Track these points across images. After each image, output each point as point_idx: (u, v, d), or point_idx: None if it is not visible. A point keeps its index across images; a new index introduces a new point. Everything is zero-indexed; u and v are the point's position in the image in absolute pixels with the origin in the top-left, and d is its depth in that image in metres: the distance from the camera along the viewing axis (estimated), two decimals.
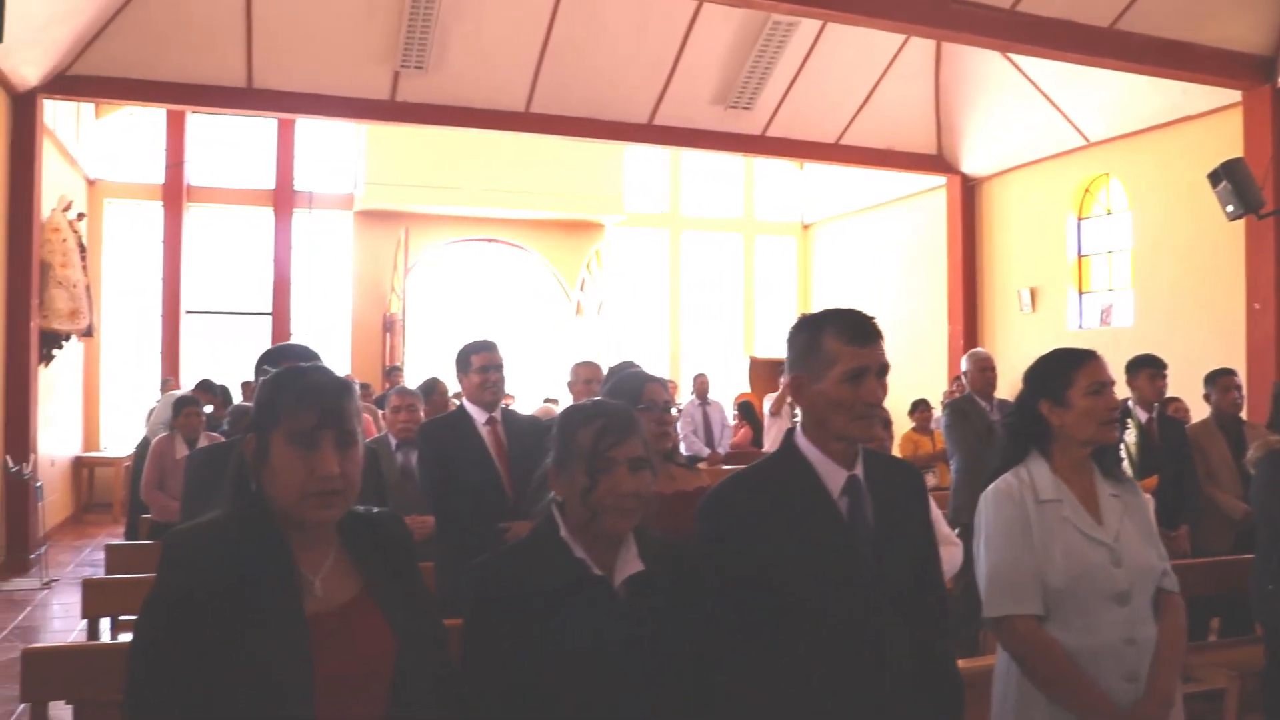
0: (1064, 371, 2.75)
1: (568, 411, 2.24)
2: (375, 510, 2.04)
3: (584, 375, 5.70)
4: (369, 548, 1.94)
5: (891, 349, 2.37)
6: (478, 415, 4.59)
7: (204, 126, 14.89)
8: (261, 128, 15.07)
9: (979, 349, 7.25)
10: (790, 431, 2.40)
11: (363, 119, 11.88)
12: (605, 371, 4.88)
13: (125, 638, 4.96)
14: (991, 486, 2.75)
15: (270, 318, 14.79)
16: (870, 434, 2.30)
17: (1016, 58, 11.73)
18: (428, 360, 13.92)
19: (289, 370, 1.88)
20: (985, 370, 6.77)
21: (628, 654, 2.05)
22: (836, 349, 2.25)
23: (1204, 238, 10.56)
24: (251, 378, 11.27)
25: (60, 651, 3.83)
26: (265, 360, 3.04)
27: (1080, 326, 12.31)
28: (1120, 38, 9.29)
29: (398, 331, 14.36)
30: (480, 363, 4.58)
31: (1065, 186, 12.54)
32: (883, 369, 2.29)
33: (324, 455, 1.79)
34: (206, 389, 10.38)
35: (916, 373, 13.38)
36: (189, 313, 14.62)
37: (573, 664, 2.01)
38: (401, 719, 1.85)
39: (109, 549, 5.88)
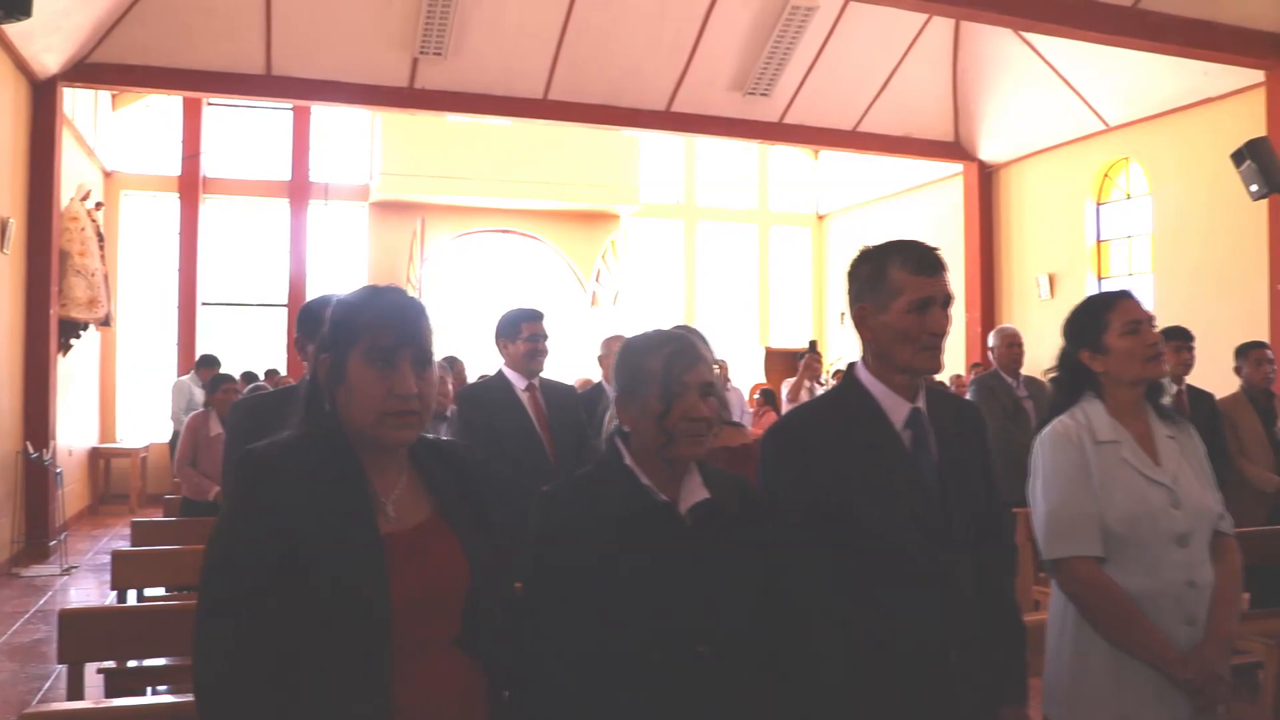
0: (1097, 316, 2.72)
1: (632, 341, 2.21)
2: (445, 439, 2.03)
3: (616, 349, 5.69)
4: (440, 473, 1.92)
5: None
6: (517, 382, 4.64)
7: (220, 118, 14.89)
8: (277, 119, 15.07)
9: (1007, 325, 7.19)
10: (852, 365, 2.38)
11: (381, 106, 11.86)
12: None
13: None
14: (1048, 429, 2.71)
15: (286, 309, 14.78)
16: (936, 365, 2.28)
17: (1035, 41, 11.68)
18: (444, 350, 13.89)
19: (367, 290, 1.86)
20: (1013, 346, 6.72)
21: (694, 580, 2.02)
22: (902, 279, 2.23)
23: (1225, 220, 10.50)
24: (273, 367, 11.19)
25: (97, 613, 3.81)
26: (313, 308, 3.01)
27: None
28: (1141, 17, 9.22)
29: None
30: (530, 330, 4.63)
31: (1084, 171, 12.48)
32: (947, 299, 2.27)
33: (402, 374, 1.77)
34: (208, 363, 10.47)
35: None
36: (205, 304, 14.63)
37: (639, 590, 1.99)
38: (473, 641, 1.83)
39: (135, 524, 5.88)
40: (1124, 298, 2.73)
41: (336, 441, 1.79)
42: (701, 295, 17.61)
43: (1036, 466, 2.70)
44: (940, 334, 2.25)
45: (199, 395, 10.48)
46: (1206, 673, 2.47)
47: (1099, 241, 12.46)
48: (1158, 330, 2.71)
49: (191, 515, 6.31)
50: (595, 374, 7.40)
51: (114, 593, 4.78)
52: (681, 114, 12.11)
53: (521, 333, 4.66)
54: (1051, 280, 12.84)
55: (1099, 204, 12.46)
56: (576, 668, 1.98)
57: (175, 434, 10.48)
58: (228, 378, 6.84)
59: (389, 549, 1.73)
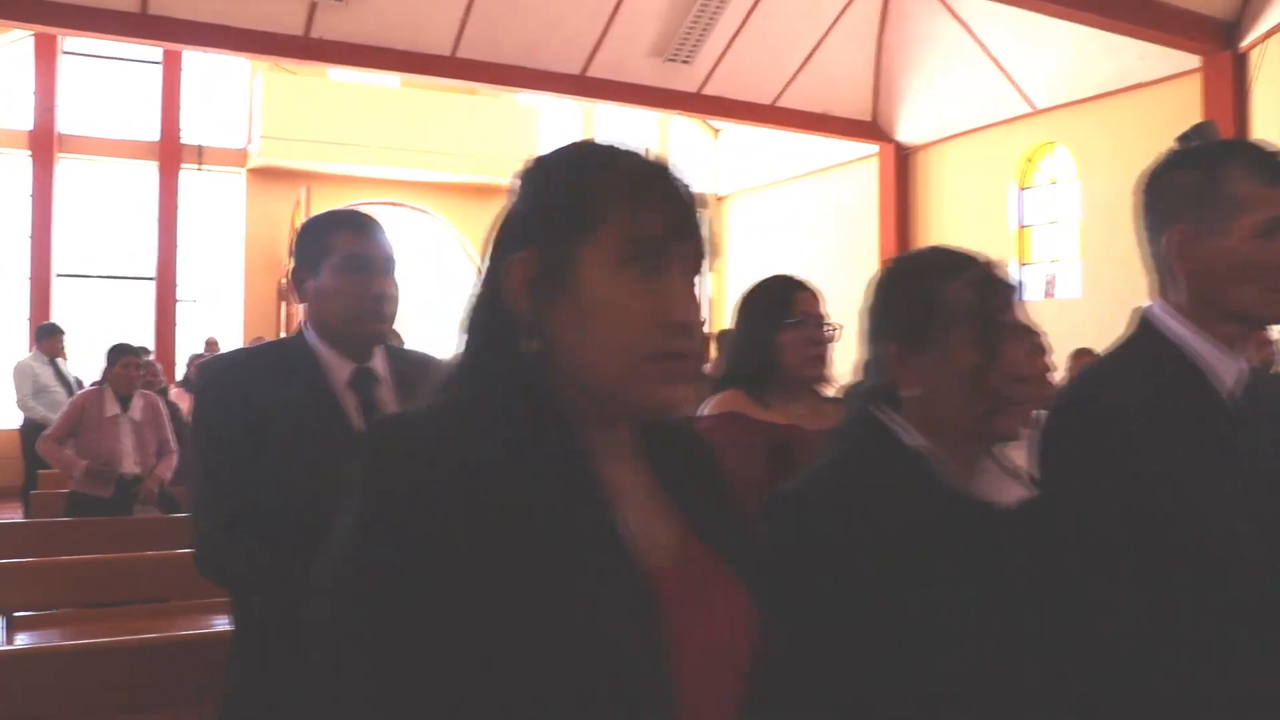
0: None
1: (907, 262, 1.48)
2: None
3: None
4: (678, 466, 1.14)
5: None
6: None
7: (78, 69, 13.40)
8: (145, 72, 13.66)
9: None
10: (1147, 312, 1.70)
11: (273, 56, 10.72)
12: None
13: (26, 640, 4.02)
14: None
15: (154, 283, 13.45)
16: None
17: (967, 17, 11.34)
18: None
19: (600, 146, 1.08)
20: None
21: (1030, 614, 1.32)
22: (1251, 192, 1.57)
23: None
24: (142, 344, 9.94)
25: None
26: (313, 226, 2.17)
27: (1022, 298, 11.94)
28: None
29: (295, 300, 13.17)
30: None
31: (1007, 155, 12.17)
32: None
33: (676, 287, 1.01)
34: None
35: (846, 348, 12.94)
36: (60, 276, 13.15)
37: (962, 629, 1.27)
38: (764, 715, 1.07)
39: (3, 527, 4.89)
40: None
41: (544, 408, 1.00)
42: None
43: None
44: None
45: (45, 375, 9.18)
46: None
47: (1021, 227, 12.19)
48: None
49: (82, 514, 5.25)
50: None
51: None
52: (596, 79, 11.32)
53: None
54: None
55: (1022, 189, 12.19)
56: None
57: (27, 421, 9.13)
58: (128, 348, 5.71)
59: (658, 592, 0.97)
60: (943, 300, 1.39)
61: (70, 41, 12.98)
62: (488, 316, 1.05)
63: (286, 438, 1.91)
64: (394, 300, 2.10)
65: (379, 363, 2.11)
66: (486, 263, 1.07)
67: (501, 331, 1.02)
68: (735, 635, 1.04)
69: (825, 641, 1.25)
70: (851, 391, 1.54)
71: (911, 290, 1.43)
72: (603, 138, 1.10)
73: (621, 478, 1.04)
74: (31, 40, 12.61)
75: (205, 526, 1.91)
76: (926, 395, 1.40)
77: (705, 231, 1.04)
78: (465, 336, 1.06)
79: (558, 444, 0.98)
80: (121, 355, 5.61)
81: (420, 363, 2.22)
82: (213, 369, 2.09)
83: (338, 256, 2.06)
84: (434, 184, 15.02)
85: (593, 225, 1.00)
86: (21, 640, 4.05)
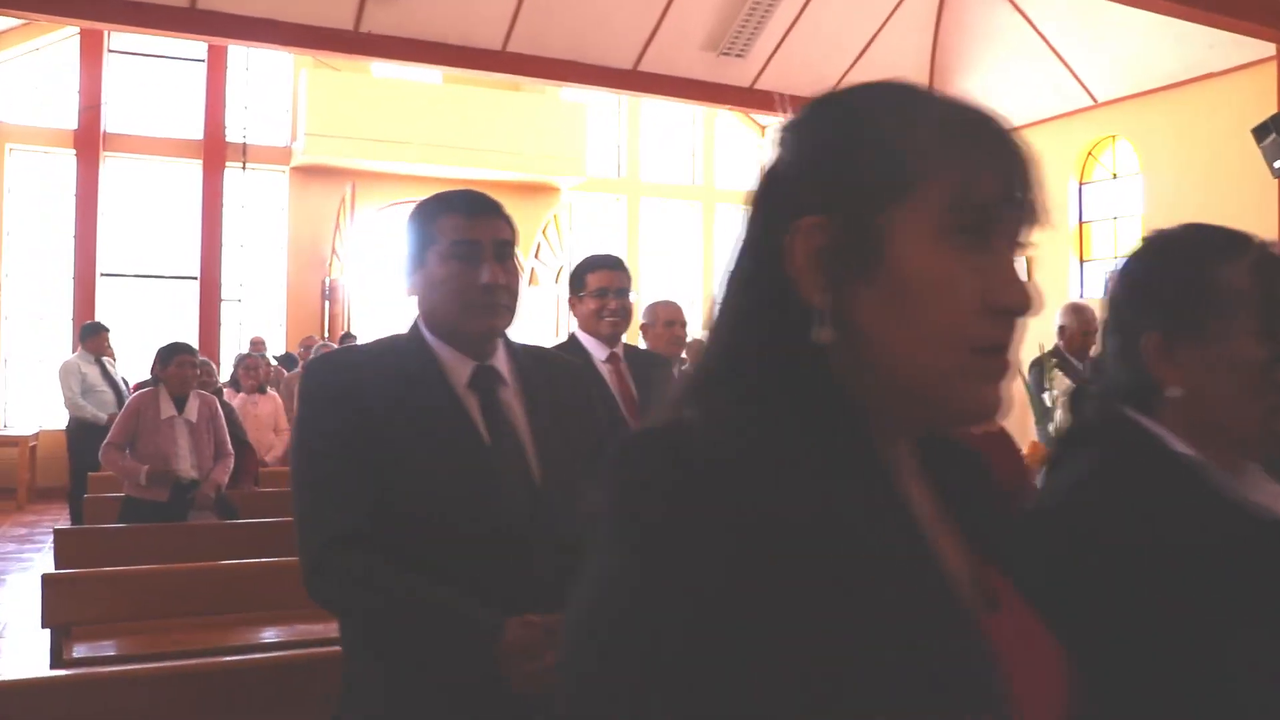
0: None
1: (1169, 241, 1.25)
2: None
3: (664, 316, 4.74)
4: (957, 484, 0.91)
5: None
6: (596, 351, 3.49)
7: (123, 68, 13.33)
8: (190, 70, 13.56)
9: (1081, 302, 6.45)
10: None
11: (322, 50, 10.57)
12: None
13: (81, 652, 3.85)
14: None
15: (198, 282, 13.35)
16: None
17: (1026, 6, 11.03)
18: (373, 330, 12.62)
19: (903, 86, 0.85)
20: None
21: None
22: None
23: (1225, 201, 9.95)
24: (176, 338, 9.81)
25: (23, 688, 2.58)
26: (420, 210, 1.95)
27: (1082, 295, 11.67)
28: None
29: (339, 299, 13.05)
30: (598, 283, 3.51)
31: (1066, 149, 11.87)
32: None
33: (1005, 264, 0.80)
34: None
35: None
36: (105, 275, 13.05)
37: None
38: None
39: (59, 534, 4.70)
40: None
41: (845, 416, 0.78)
42: (645, 274, 16.57)
43: None
44: None
45: (92, 375, 9.03)
46: None
47: (1081, 223, 11.88)
48: None
49: (137, 519, 5.06)
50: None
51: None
52: (648, 74, 11.13)
53: (589, 285, 3.54)
54: (1029, 262, 12.21)
55: (1082, 183, 11.88)
56: None
57: (74, 420, 8.96)
58: (183, 347, 5.48)
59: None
60: (1221, 284, 1.16)
61: (116, 40, 12.91)
62: (756, 301, 0.82)
63: (405, 445, 1.70)
64: (508, 290, 1.88)
65: (501, 359, 1.90)
66: (743, 233, 0.84)
67: (779, 319, 0.79)
68: (1056, 687, 0.82)
69: (1134, 688, 1.02)
70: (1085, 391, 1.30)
71: (1182, 272, 1.19)
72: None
73: (915, 501, 0.81)
74: (77, 39, 12.54)
75: (314, 544, 1.67)
76: (1193, 395, 1.16)
77: (1041, 196, 0.81)
78: (722, 326, 0.83)
79: (860, 463, 0.75)
80: (176, 354, 5.40)
81: (543, 359, 2.01)
82: (321, 368, 1.87)
83: (444, 243, 1.85)
84: (479, 181, 14.67)
85: (912, 183, 0.77)
86: (78, 652, 3.89)
